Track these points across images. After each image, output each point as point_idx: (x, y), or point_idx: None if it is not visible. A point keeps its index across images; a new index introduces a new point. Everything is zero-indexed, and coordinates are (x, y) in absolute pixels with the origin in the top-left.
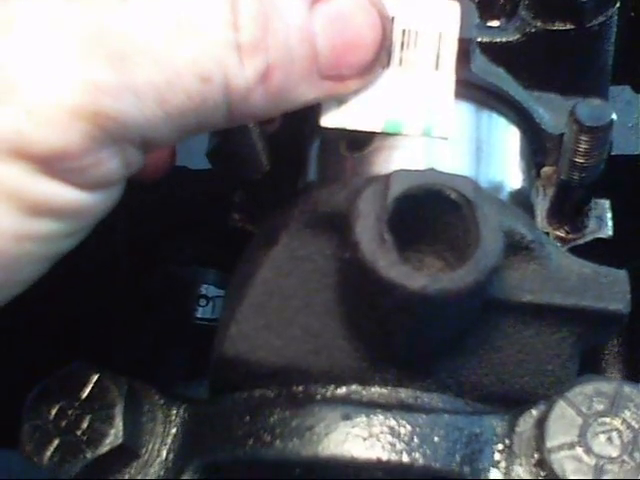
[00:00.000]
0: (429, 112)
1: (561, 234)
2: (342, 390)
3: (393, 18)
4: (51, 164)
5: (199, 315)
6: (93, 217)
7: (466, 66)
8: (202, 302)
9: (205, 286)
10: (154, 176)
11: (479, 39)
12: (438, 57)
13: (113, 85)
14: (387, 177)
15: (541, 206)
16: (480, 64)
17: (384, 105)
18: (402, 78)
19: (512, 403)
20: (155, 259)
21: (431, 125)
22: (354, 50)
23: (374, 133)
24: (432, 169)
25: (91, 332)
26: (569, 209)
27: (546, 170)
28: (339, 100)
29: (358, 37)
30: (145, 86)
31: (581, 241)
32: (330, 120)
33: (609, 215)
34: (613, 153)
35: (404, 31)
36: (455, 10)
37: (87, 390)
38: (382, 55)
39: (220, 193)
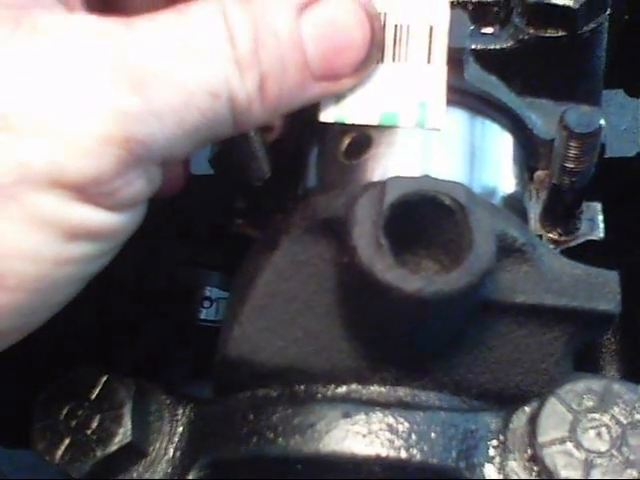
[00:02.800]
0: (422, 105)
1: (554, 236)
2: (342, 389)
3: (385, 14)
4: (85, 190)
5: (203, 317)
6: (123, 236)
7: (460, 74)
8: (206, 304)
9: (209, 288)
10: (171, 192)
11: (473, 46)
12: (430, 51)
13: (139, 111)
14: (383, 184)
15: (534, 209)
16: (473, 72)
17: (380, 99)
18: (396, 72)
19: (507, 401)
20: (159, 261)
21: (425, 117)
22: (345, 52)
23: (371, 126)
24: (426, 176)
25: (95, 334)
26: (561, 212)
27: (539, 174)
28: (337, 96)
29: (347, 39)
30: (165, 109)
31: (573, 243)
32: (329, 115)
33: (601, 217)
34: (606, 156)
35: (396, 26)
36: (444, 3)
37: (96, 391)
38: (374, 52)
39: (222, 198)
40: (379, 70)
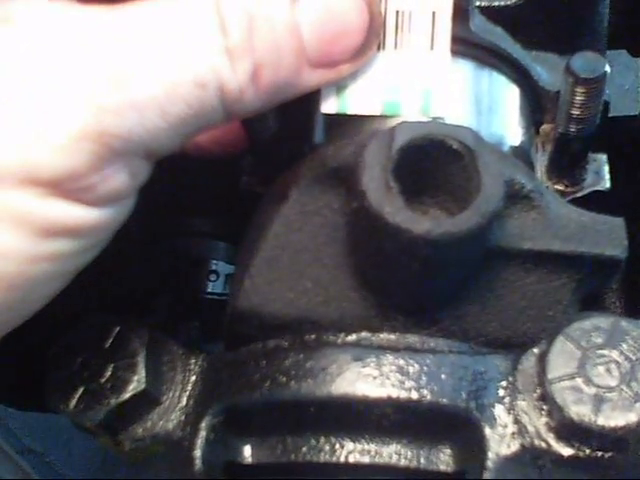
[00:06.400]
0: (426, 92)
1: (560, 188)
2: (352, 337)
3: (386, 0)
4: (61, 186)
5: (209, 290)
6: (107, 231)
7: (465, 25)
8: (212, 277)
9: (215, 262)
10: (235, 152)
11: (478, 3)
12: (433, 37)
13: (115, 104)
14: (392, 129)
15: (540, 162)
16: (479, 23)
17: (382, 88)
18: (398, 60)
19: (515, 348)
20: (165, 234)
21: (429, 105)
22: (342, 37)
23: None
24: (435, 120)
25: (101, 308)
26: (567, 162)
27: (545, 127)
28: (338, 86)
29: (344, 24)
30: (146, 101)
31: (580, 194)
32: (330, 106)
33: (606, 168)
34: (611, 115)
35: (397, 12)
36: None
37: (109, 341)
38: (372, 38)
39: (229, 163)
40: (381, 58)
